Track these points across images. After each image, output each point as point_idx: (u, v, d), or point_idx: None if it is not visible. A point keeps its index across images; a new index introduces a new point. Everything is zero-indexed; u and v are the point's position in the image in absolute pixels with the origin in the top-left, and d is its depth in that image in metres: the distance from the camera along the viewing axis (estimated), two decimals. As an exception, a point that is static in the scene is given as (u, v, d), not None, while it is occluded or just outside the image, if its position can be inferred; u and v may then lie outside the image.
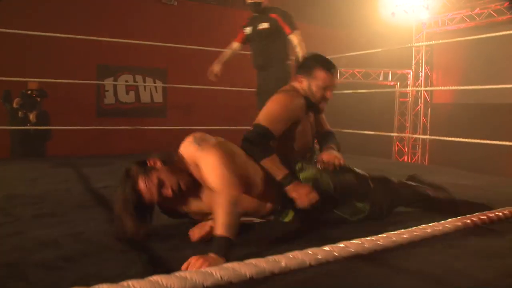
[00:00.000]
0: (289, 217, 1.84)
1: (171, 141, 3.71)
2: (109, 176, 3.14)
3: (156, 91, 6.75)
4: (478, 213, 1.83)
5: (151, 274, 1.05)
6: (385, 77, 7.69)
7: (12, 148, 4.62)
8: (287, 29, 3.59)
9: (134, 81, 6.47)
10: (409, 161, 7.49)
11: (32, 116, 4.57)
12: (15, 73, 4.27)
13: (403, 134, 7.26)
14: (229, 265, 1.11)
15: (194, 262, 1.28)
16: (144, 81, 6.62)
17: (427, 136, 7.24)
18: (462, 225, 1.68)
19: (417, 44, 7.30)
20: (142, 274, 1.09)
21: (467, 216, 1.77)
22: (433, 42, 6.59)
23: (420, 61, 7.58)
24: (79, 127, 4.64)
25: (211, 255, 1.31)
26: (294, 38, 3.60)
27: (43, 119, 4.66)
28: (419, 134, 7.43)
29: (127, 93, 6.54)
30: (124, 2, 6.33)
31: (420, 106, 7.62)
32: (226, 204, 1.45)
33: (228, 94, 6.33)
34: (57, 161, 3.87)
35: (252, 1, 3.65)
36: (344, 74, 7.80)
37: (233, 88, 5.53)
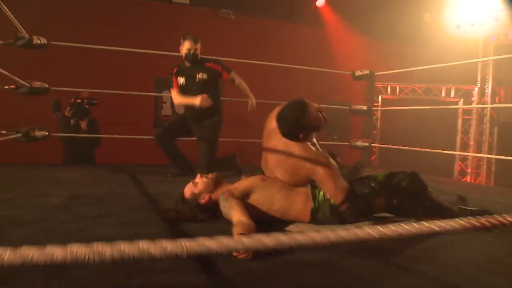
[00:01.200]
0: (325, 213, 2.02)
1: (221, 151, 3.87)
2: (162, 183, 3.33)
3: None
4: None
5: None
6: (448, 93, 7.44)
7: (64, 154, 4.74)
8: (225, 74, 3.80)
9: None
10: (473, 181, 7.15)
11: (83, 124, 4.68)
12: (67, 83, 4.53)
13: (468, 153, 6.96)
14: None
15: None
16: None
17: (494, 156, 6.89)
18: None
19: (485, 59, 7.00)
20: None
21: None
22: (503, 56, 6.26)
23: (487, 77, 7.26)
24: (133, 136, 4.76)
25: None
26: (235, 76, 3.85)
27: (93, 126, 4.76)
28: (485, 153, 7.09)
29: (162, 107, 6.72)
30: (183, 17, 6.55)
31: (486, 124, 7.27)
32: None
33: (267, 109, 6.32)
34: (113, 167, 4.10)
35: (189, 52, 3.71)
36: (403, 90, 7.64)
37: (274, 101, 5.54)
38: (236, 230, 1.74)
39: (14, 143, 3.73)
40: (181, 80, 3.81)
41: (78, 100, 4.68)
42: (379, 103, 7.39)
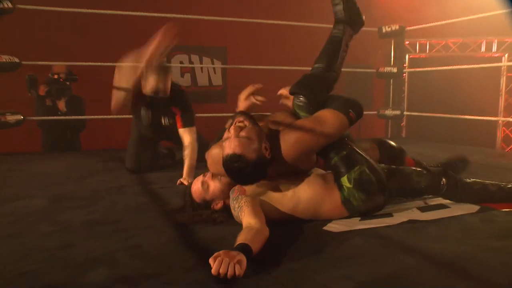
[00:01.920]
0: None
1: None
2: (164, 173, 3.12)
3: (215, 73, 6.69)
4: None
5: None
6: (489, 48, 7.09)
7: (43, 141, 4.50)
8: (179, 124, 3.11)
9: (190, 62, 6.44)
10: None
11: (61, 105, 4.35)
12: (43, 56, 4.27)
13: None
14: None
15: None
16: (201, 62, 6.59)
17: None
18: None
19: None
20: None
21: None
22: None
23: (535, 26, 6.91)
24: (119, 116, 4.40)
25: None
26: (184, 133, 3.09)
27: (75, 106, 4.44)
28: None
29: (182, 75, 6.53)
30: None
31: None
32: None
33: (300, 75, 6.16)
34: (103, 154, 3.92)
35: (157, 91, 3.01)
36: (434, 46, 7.31)
37: (305, 68, 5.34)
38: (239, 237, 1.53)
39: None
40: (147, 113, 3.20)
41: (55, 76, 4.34)
42: (406, 64, 7.09)
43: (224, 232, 1.78)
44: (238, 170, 1.79)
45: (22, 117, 3.75)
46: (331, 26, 5.22)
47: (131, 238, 1.72)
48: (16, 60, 3.69)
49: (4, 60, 3.60)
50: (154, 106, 3.16)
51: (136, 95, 3.04)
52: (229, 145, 1.80)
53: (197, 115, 4.62)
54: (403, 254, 1.54)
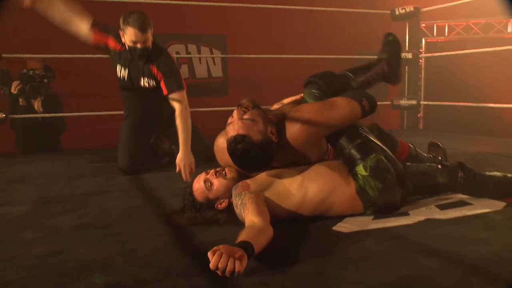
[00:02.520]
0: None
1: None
2: (159, 173, 3.14)
3: (214, 63, 6.67)
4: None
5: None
6: (515, 28, 7.04)
7: (17, 142, 4.41)
8: (164, 90, 3.09)
9: (187, 52, 6.44)
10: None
11: (37, 104, 4.25)
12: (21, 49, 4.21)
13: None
14: None
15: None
16: (199, 52, 6.57)
17: None
18: None
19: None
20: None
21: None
22: None
23: None
24: (107, 113, 4.32)
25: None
26: (179, 100, 3.05)
27: (53, 105, 4.33)
28: None
29: (179, 67, 6.52)
30: None
31: None
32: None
33: (305, 64, 6.14)
34: (92, 155, 3.94)
35: (135, 46, 3.00)
36: (454, 29, 7.27)
37: (311, 56, 5.33)
38: (241, 236, 1.54)
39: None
40: (122, 72, 3.20)
41: (30, 73, 4.21)
42: (423, 49, 7.06)
43: (226, 236, 1.78)
44: (243, 152, 1.82)
45: (4, 115, 3.74)
46: (338, 9, 5.22)
47: (125, 243, 1.73)
48: None
49: None
50: (131, 63, 3.15)
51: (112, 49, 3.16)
52: (233, 127, 1.84)
53: (196, 109, 4.63)
54: (420, 256, 1.55)
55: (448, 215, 1.98)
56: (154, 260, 1.55)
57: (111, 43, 3.15)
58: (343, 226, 1.87)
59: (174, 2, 4.65)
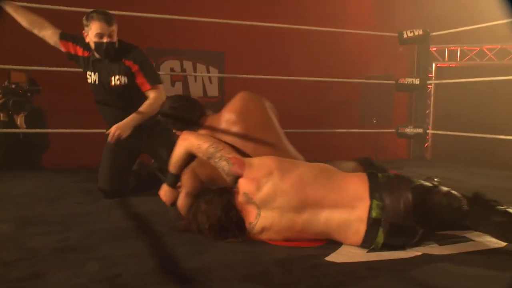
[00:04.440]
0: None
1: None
2: (148, 196, 3.15)
3: (211, 82, 6.79)
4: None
5: None
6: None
7: None
8: (145, 85, 3.20)
9: (182, 69, 6.54)
10: None
11: (19, 120, 4.25)
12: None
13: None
14: None
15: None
16: (195, 70, 6.68)
17: None
18: None
19: None
20: None
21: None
22: None
23: None
24: (92, 130, 4.25)
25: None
26: (152, 95, 3.19)
27: (36, 122, 4.32)
28: None
29: (173, 84, 6.62)
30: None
31: None
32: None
33: (306, 87, 6.25)
34: (76, 174, 4.00)
35: (101, 41, 3.11)
36: (467, 54, 7.39)
37: (313, 79, 5.44)
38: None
39: None
40: (93, 77, 3.27)
41: (13, 86, 4.22)
42: (433, 74, 7.18)
43: (215, 262, 1.86)
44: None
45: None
46: (342, 30, 5.33)
47: (110, 268, 1.78)
48: None
49: None
50: (99, 64, 3.24)
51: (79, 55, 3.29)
52: None
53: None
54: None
55: (447, 250, 2.05)
56: (139, 286, 1.61)
57: (79, 51, 3.28)
58: (336, 257, 1.94)
59: (170, 16, 4.74)
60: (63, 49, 3.32)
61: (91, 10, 3.16)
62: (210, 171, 2.38)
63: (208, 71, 6.74)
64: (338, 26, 5.67)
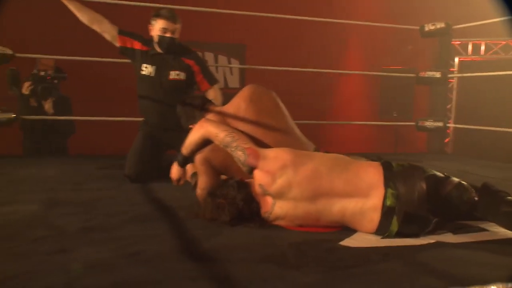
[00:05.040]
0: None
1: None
2: (170, 184, 3.22)
3: (232, 74, 6.86)
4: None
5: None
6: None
7: (24, 143, 4.66)
8: (205, 84, 3.59)
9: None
10: None
11: (47, 106, 4.46)
12: (36, 48, 4.42)
13: None
14: None
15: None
16: (216, 61, 6.76)
17: None
18: None
19: None
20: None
21: None
22: None
23: None
24: (119, 118, 4.47)
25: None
26: (212, 93, 3.58)
27: (63, 108, 4.57)
28: None
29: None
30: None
31: None
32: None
33: (326, 79, 6.28)
34: (100, 161, 4.12)
35: (164, 35, 3.42)
36: (491, 48, 7.30)
37: (333, 71, 5.47)
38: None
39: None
40: (149, 69, 3.52)
41: (42, 73, 4.41)
42: (455, 68, 7.13)
43: (232, 243, 1.95)
44: None
45: (14, 115, 3.89)
46: (364, 23, 5.36)
47: (130, 246, 1.88)
48: (9, 51, 3.81)
49: None
50: (160, 58, 3.51)
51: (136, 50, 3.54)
52: None
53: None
54: (425, 276, 1.66)
55: (460, 239, 2.09)
56: (158, 262, 1.69)
57: (137, 45, 3.54)
58: (350, 242, 2.01)
59: (192, 8, 4.80)
60: (118, 43, 3.55)
61: (160, 6, 3.51)
62: (223, 157, 2.48)
63: (230, 63, 6.81)
64: (358, 18, 5.68)
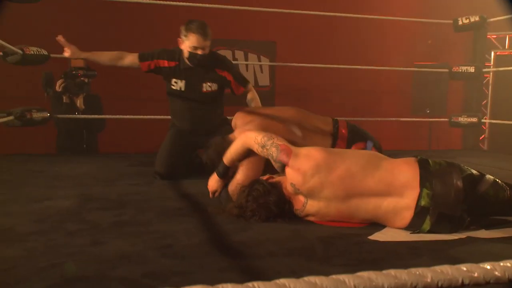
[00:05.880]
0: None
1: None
2: (201, 180, 3.27)
3: (262, 71, 6.87)
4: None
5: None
6: None
7: (58, 141, 4.82)
8: (239, 88, 3.64)
9: (233, 58, 6.62)
10: None
11: (79, 102, 4.71)
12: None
13: None
14: (365, 274, 1.14)
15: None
16: (246, 59, 6.79)
17: None
18: None
19: None
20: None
21: None
22: None
23: None
24: (149, 116, 4.65)
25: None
26: (251, 90, 3.71)
27: (94, 104, 4.78)
28: None
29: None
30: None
31: None
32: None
33: (356, 75, 6.26)
34: (131, 158, 4.23)
35: (196, 52, 3.39)
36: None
37: (366, 67, 5.45)
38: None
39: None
40: (179, 84, 3.56)
41: (73, 71, 4.65)
42: (491, 62, 7.03)
43: (261, 237, 1.99)
44: None
45: (48, 114, 4.04)
46: (395, 18, 5.33)
47: (162, 239, 1.94)
48: (45, 52, 3.97)
49: (32, 52, 3.85)
50: (190, 72, 3.52)
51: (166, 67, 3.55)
52: None
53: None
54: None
55: (492, 234, 2.09)
56: (188, 254, 1.76)
57: (163, 63, 3.53)
58: (379, 236, 2.03)
59: (222, 6, 4.86)
60: (144, 69, 3.56)
61: (190, 20, 3.41)
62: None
63: (260, 60, 6.82)
64: (389, 14, 5.65)
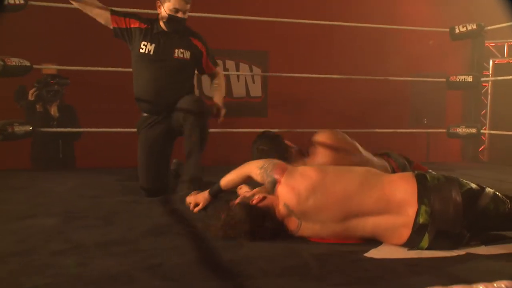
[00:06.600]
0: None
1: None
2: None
3: (254, 82, 6.84)
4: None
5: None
6: None
7: (33, 154, 4.88)
8: (210, 66, 3.67)
9: (224, 68, 6.57)
10: None
11: (53, 110, 4.80)
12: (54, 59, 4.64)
13: None
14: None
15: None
16: (238, 69, 6.77)
17: None
18: None
19: None
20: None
21: None
22: None
23: None
24: (126, 130, 4.47)
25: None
26: (219, 74, 3.76)
27: (68, 113, 4.88)
28: None
29: (215, 84, 6.69)
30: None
31: None
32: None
33: (350, 86, 6.28)
34: (118, 173, 4.22)
35: (175, 15, 3.38)
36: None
37: (361, 77, 5.46)
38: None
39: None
40: (148, 47, 3.46)
41: (48, 79, 4.74)
42: (490, 71, 7.06)
43: (253, 254, 1.99)
44: None
45: (31, 127, 4.02)
46: (389, 26, 5.35)
47: (150, 258, 1.93)
48: (27, 63, 3.97)
49: (14, 64, 3.85)
50: (163, 36, 3.48)
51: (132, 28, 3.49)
52: None
53: (232, 130, 4.84)
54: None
55: (493, 251, 2.10)
56: (178, 274, 1.75)
57: (134, 23, 3.49)
58: (376, 253, 2.03)
59: (212, 15, 4.86)
60: (112, 25, 3.47)
61: None
62: None
63: (251, 70, 6.80)
64: (386, 22, 5.68)
